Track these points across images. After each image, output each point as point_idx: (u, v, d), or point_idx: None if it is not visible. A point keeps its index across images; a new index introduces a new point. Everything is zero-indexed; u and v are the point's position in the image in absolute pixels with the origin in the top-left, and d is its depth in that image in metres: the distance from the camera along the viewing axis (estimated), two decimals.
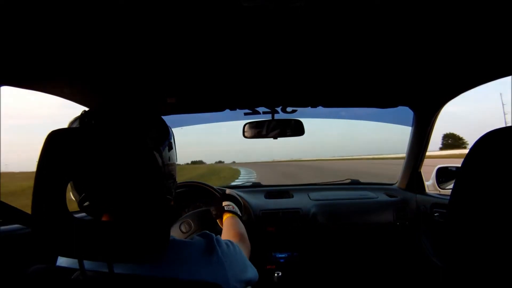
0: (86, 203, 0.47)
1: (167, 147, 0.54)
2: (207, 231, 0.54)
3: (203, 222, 1.19)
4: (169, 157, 0.54)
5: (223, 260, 0.50)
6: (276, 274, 1.39)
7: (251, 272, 0.58)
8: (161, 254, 0.45)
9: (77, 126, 0.49)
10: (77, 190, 0.47)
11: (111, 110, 0.50)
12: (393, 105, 1.42)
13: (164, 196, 0.51)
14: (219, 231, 0.98)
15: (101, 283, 0.44)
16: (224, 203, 1.07)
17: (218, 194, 1.28)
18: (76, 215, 0.43)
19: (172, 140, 0.57)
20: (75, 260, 0.44)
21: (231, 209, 1.04)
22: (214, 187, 1.37)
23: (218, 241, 0.53)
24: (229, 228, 0.92)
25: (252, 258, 1.41)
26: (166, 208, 0.44)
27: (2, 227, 0.88)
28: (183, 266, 0.47)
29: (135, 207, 0.41)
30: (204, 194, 1.40)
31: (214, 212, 1.15)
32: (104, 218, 0.49)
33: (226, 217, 1.00)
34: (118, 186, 0.43)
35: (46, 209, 0.40)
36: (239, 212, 1.06)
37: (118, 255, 0.42)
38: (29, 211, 0.42)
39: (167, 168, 0.54)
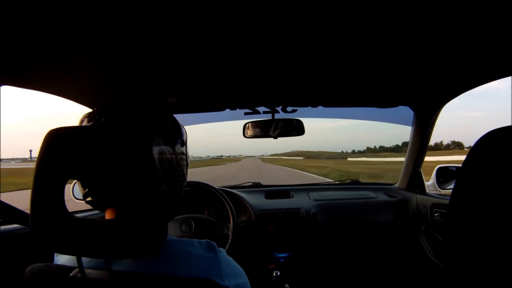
0: (89, 198, 0.48)
1: (179, 144, 0.55)
2: (209, 240, 0.54)
3: (205, 229, 1.19)
4: (180, 155, 0.55)
5: (221, 262, 0.50)
6: (274, 274, 1.39)
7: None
8: (160, 251, 0.45)
9: (86, 124, 0.49)
10: (82, 185, 0.48)
11: (121, 108, 0.51)
12: (394, 105, 1.42)
13: (165, 194, 0.51)
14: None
15: (99, 281, 0.44)
16: None
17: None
18: (78, 215, 0.43)
19: (184, 138, 0.58)
20: (74, 259, 0.44)
21: None
22: (216, 187, 1.37)
23: (220, 249, 0.52)
24: None
25: (252, 258, 1.42)
26: (165, 206, 0.44)
27: (2, 227, 0.88)
28: (181, 263, 0.47)
29: (135, 204, 0.41)
30: (207, 197, 1.40)
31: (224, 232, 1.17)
32: (107, 212, 0.50)
33: None
34: (122, 183, 0.44)
35: (45, 208, 0.41)
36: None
37: (115, 252, 0.42)
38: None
39: (178, 165, 0.54)
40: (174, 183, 0.54)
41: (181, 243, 0.50)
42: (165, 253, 0.47)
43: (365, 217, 1.51)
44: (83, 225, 0.42)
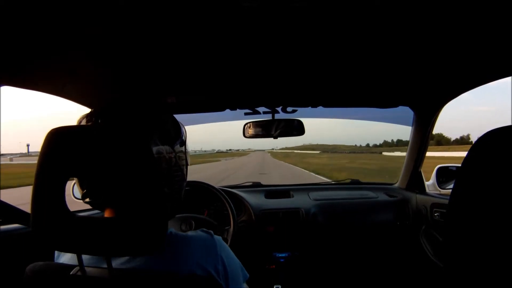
0: (87, 199, 0.48)
1: (178, 144, 0.55)
2: (204, 229, 0.55)
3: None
4: (179, 155, 0.55)
5: (221, 255, 0.51)
6: (275, 287, 1.40)
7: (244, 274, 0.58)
8: (160, 248, 0.46)
9: (84, 124, 0.50)
10: (80, 185, 0.49)
11: (119, 109, 0.51)
12: (394, 105, 1.42)
13: (164, 193, 0.52)
14: None
15: (100, 278, 0.44)
16: None
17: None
18: (80, 214, 0.43)
19: (184, 138, 0.58)
20: (74, 257, 0.44)
21: None
22: (216, 186, 1.37)
23: (218, 238, 0.53)
24: None
25: (252, 258, 1.42)
26: (165, 204, 0.44)
27: (2, 227, 0.88)
28: (181, 259, 0.47)
29: (135, 202, 0.41)
30: (207, 197, 1.40)
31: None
32: (106, 212, 0.50)
33: None
34: (119, 182, 0.44)
35: (46, 206, 0.41)
36: None
37: (115, 250, 0.42)
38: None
39: (177, 165, 0.54)
40: (173, 183, 0.54)
41: (181, 238, 0.50)
42: (166, 249, 0.48)
43: (365, 217, 1.51)
44: (83, 223, 0.42)
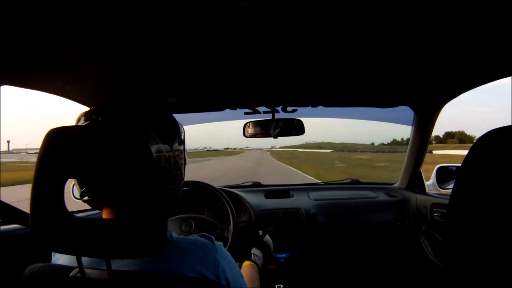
0: (86, 198, 0.48)
1: (176, 143, 0.55)
2: (206, 233, 0.54)
3: (205, 230, 1.20)
4: (177, 154, 0.55)
5: (221, 262, 0.50)
6: (277, 286, 1.40)
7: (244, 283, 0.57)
8: (159, 250, 0.46)
9: (83, 123, 0.50)
10: (79, 184, 0.48)
11: (118, 107, 0.51)
12: (394, 104, 1.42)
13: (163, 193, 0.52)
14: None
15: (99, 280, 0.44)
16: (253, 251, 1.03)
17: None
18: (78, 215, 0.43)
19: (182, 137, 0.58)
20: (73, 259, 0.44)
21: (257, 261, 0.99)
22: (216, 186, 1.37)
23: (219, 245, 0.53)
24: (247, 280, 0.83)
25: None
26: (165, 205, 0.44)
27: (2, 227, 0.88)
28: (180, 262, 0.47)
29: (134, 203, 0.41)
30: (207, 197, 1.40)
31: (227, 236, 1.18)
32: (104, 211, 0.50)
33: (247, 263, 0.97)
34: (118, 182, 0.44)
35: (45, 207, 0.41)
36: (260, 265, 1.01)
37: (115, 251, 0.42)
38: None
39: (175, 164, 0.54)
40: (172, 181, 0.54)
41: (180, 241, 0.50)
42: (165, 251, 0.48)
43: (365, 217, 1.51)
44: (82, 224, 0.42)
